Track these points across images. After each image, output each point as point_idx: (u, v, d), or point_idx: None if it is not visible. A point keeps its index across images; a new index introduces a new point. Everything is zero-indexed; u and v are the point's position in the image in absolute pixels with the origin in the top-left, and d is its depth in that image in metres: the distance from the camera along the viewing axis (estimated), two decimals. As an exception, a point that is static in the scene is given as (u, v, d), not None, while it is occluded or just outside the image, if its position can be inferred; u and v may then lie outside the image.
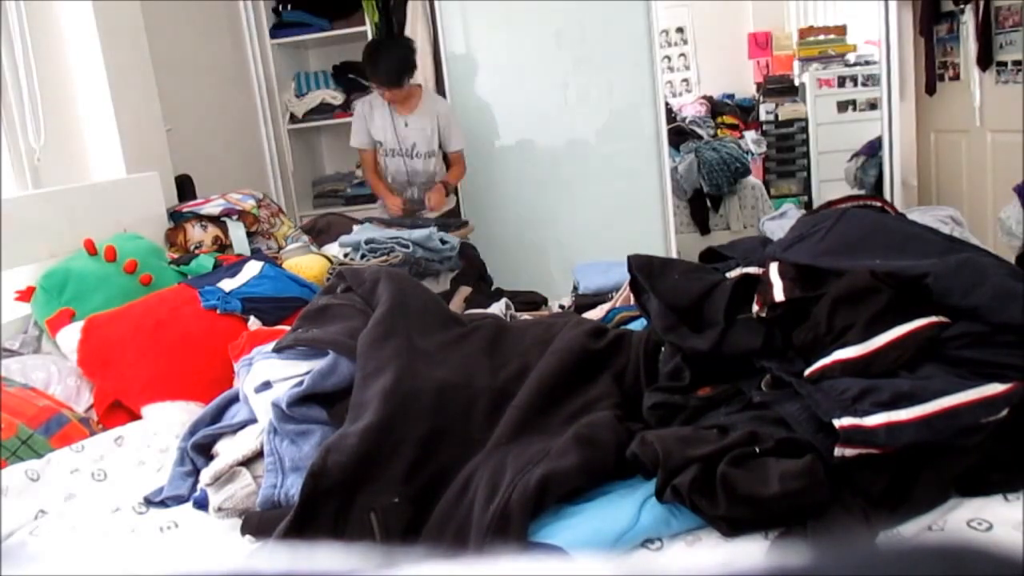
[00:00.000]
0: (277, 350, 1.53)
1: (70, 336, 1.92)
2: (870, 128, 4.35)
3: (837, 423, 1.03)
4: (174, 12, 3.17)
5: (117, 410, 1.80)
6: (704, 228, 5.20)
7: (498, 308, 2.15)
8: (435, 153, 3.31)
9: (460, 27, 3.64)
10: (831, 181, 5.08)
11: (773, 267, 1.35)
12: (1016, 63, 3.38)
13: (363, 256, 2.53)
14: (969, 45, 3.67)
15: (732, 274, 1.42)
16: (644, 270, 1.44)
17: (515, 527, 1.06)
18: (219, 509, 1.28)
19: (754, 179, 5.27)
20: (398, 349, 1.39)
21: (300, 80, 4.11)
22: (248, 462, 1.33)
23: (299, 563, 0.33)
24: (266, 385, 1.46)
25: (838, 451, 1.03)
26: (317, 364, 1.43)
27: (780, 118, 5.47)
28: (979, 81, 3.63)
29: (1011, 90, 3.42)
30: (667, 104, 4.31)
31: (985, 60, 3.55)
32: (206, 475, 1.31)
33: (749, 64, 6.07)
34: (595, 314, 1.98)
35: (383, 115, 3.24)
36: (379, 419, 1.23)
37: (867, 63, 5.12)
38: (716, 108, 5.85)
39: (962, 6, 3.68)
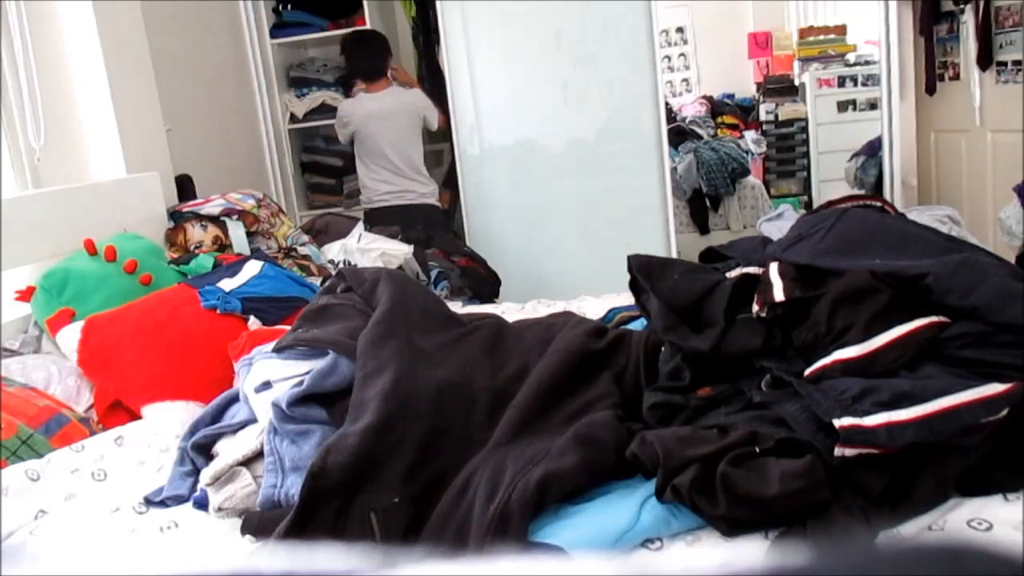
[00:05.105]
0: (277, 350, 1.52)
1: (70, 336, 1.92)
2: (870, 128, 4.34)
3: (837, 423, 1.03)
4: (174, 12, 3.16)
5: (117, 410, 1.80)
6: (704, 228, 5.20)
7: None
8: None
9: (460, 27, 3.64)
10: (831, 181, 5.08)
11: (773, 267, 1.35)
12: (1016, 63, 3.38)
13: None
14: (969, 45, 3.67)
15: (732, 274, 1.42)
16: (644, 270, 1.44)
17: (515, 527, 1.06)
18: (219, 509, 1.28)
19: (754, 179, 5.27)
20: (398, 349, 1.39)
21: (300, 80, 4.10)
22: (248, 462, 1.33)
23: (299, 563, 0.33)
24: (266, 385, 1.46)
25: (838, 451, 1.03)
26: (317, 364, 1.43)
27: (780, 118, 5.47)
28: (979, 81, 3.63)
29: (1011, 90, 3.42)
30: (667, 104, 4.31)
31: (985, 60, 3.55)
32: (206, 475, 1.31)
33: (749, 64, 6.07)
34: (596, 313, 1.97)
35: None
36: (379, 419, 1.23)
37: (867, 63, 5.12)
38: (716, 108, 5.85)
39: (962, 6, 3.68)
